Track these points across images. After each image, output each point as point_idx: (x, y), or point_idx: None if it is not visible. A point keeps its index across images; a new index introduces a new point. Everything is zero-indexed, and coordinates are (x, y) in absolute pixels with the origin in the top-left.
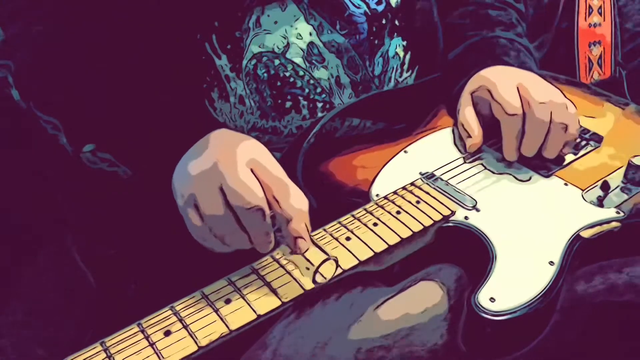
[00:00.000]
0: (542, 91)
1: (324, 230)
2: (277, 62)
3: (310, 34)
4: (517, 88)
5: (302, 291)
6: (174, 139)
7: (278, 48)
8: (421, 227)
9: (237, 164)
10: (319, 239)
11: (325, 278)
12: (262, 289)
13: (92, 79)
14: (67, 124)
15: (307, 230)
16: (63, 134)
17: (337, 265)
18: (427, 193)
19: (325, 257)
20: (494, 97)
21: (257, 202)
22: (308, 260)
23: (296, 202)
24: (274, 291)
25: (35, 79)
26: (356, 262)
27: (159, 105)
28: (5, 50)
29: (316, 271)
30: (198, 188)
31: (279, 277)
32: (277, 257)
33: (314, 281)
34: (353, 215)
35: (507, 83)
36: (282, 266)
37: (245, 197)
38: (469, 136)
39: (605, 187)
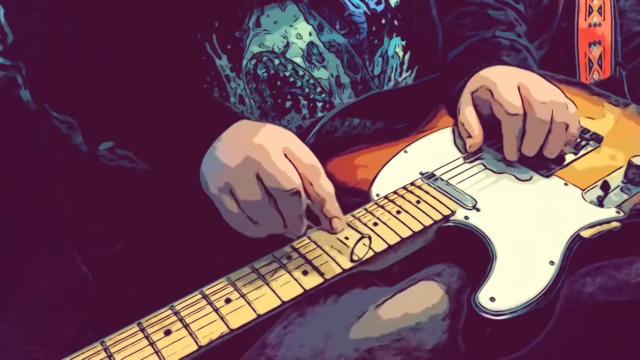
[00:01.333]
0: (542, 91)
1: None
2: (277, 62)
3: (310, 34)
4: (518, 88)
5: (302, 291)
6: (192, 134)
7: (278, 48)
8: (421, 227)
9: (271, 151)
10: (321, 236)
11: (360, 256)
12: (262, 289)
13: (106, 78)
14: (84, 123)
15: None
16: (79, 133)
17: (370, 241)
18: (427, 193)
19: (359, 236)
20: (494, 97)
21: (293, 185)
22: (335, 245)
23: (327, 185)
24: (274, 291)
25: (49, 79)
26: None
27: (171, 101)
28: (14, 50)
29: (353, 249)
30: (234, 176)
31: (279, 277)
32: (278, 256)
33: (351, 259)
34: (353, 215)
35: (508, 83)
36: (282, 266)
37: (283, 182)
38: (469, 136)
39: (605, 187)
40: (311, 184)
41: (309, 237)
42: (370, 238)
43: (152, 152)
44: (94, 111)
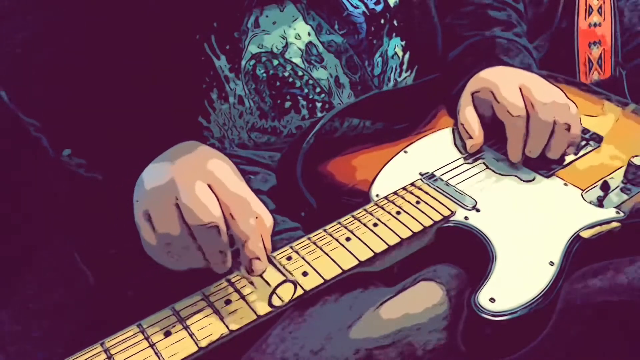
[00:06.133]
0: (544, 92)
1: (324, 230)
2: (276, 62)
3: (309, 34)
4: (520, 89)
5: (301, 292)
6: (151, 150)
7: (277, 48)
8: (421, 228)
9: (194, 180)
10: (318, 240)
11: (283, 301)
12: (262, 290)
13: (73, 84)
14: (46, 127)
15: (266, 250)
16: (44, 136)
17: (296, 288)
18: (427, 193)
19: (283, 278)
20: (496, 98)
21: (211, 219)
22: (266, 282)
23: (251, 222)
24: (274, 292)
25: (17, 80)
26: (356, 262)
27: (143, 114)
28: None
29: (272, 293)
30: (152, 204)
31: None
32: (277, 257)
33: (270, 304)
34: (353, 216)
35: (510, 84)
36: (282, 267)
37: (199, 215)
38: (470, 136)
39: (605, 187)
40: (234, 219)
41: (308, 238)
42: (295, 285)
43: (106, 163)
44: (56, 116)
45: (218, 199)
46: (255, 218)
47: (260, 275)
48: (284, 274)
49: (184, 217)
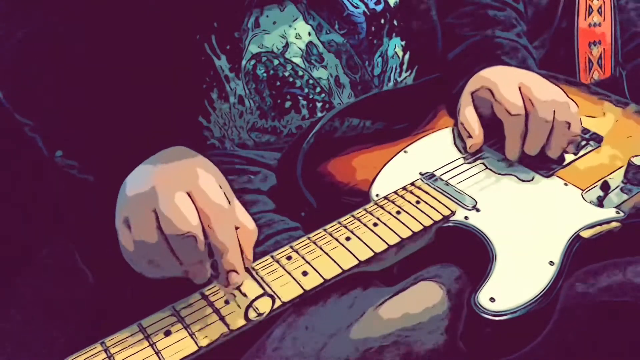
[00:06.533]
0: (544, 90)
1: (324, 230)
2: (276, 62)
3: (309, 34)
4: (519, 88)
5: (301, 291)
6: (151, 150)
7: (277, 48)
8: (421, 227)
9: (175, 189)
10: (318, 239)
11: (260, 315)
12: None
13: (70, 85)
14: (40, 128)
15: (246, 261)
16: (38, 136)
17: (274, 302)
18: (427, 193)
19: (261, 292)
20: (495, 97)
21: (188, 228)
22: (244, 294)
23: (234, 231)
24: (274, 291)
25: (13, 80)
26: (356, 262)
27: (143, 114)
28: None
29: (249, 307)
30: (132, 210)
31: (278, 278)
32: (277, 257)
33: (246, 318)
34: (353, 216)
35: (509, 83)
36: (282, 267)
37: (176, 224)
38: (470, 136)
39: (605, 187)
40: (212, 229)
41: (308, 238)
42: (273, 299)
43: (97, 165)
44: (49, 118)
45: (198, 209)
46: (238, 228)
47: (238, 288)
48: (262, 287)
49: (161, 226)
